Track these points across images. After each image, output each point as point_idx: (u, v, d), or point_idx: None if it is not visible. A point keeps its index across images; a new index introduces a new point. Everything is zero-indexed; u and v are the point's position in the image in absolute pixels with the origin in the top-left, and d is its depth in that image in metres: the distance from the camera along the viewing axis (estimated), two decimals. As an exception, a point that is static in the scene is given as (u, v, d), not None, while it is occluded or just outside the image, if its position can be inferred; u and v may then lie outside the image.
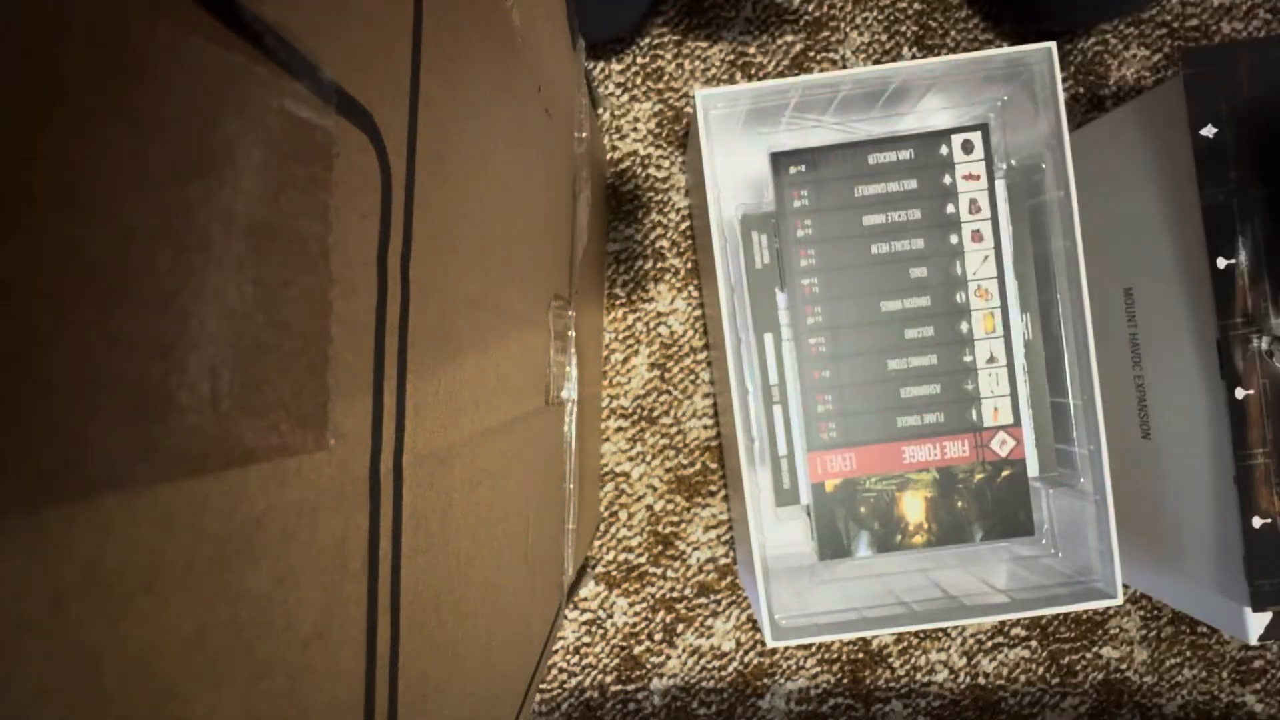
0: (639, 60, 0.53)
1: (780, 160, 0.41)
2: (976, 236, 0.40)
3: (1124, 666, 0.53)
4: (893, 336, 0.40)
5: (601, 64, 0.53)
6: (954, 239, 0.40)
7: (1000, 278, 0.41)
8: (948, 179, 0.40)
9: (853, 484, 0.40)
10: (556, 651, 0.52)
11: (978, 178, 0.40)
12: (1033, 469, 0.41)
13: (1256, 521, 0.36)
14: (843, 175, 0.40)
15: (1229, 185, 0.35)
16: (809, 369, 0.41)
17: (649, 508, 0.52)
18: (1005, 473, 0.40)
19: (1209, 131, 0.35)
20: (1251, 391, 0.36)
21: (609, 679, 0.52)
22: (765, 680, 0.52)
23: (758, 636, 0.52)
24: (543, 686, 0.52)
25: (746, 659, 0.52)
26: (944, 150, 0.40)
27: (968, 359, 0.40)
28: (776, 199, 0.41)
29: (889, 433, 0.40)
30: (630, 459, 0.52)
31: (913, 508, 0.40)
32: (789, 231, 0.41)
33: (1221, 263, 0.36)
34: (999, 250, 0.41)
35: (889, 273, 0.40)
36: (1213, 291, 0.36)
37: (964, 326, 0.41)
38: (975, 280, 0.40)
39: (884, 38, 0.53)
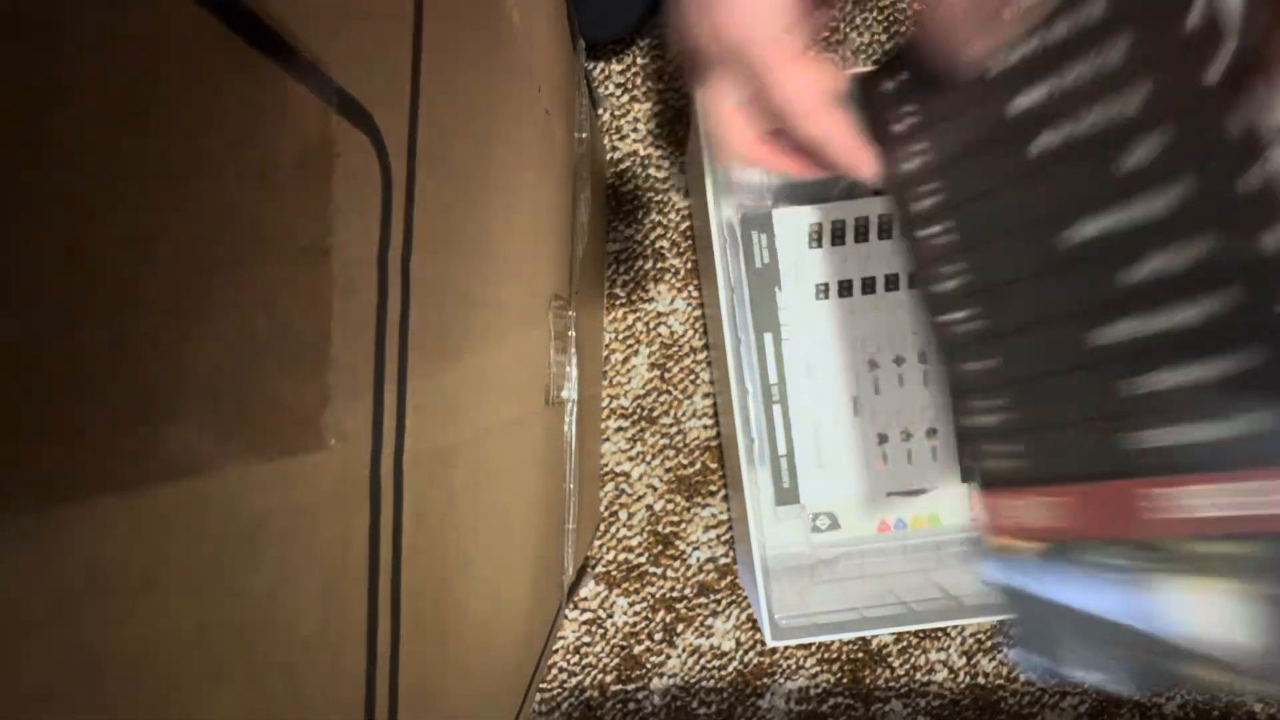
0: (639, 60, 0.53)
1: (869, 84, 0.26)
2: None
3: (1124, 666, 0.53)
4: (1098, 283, 0.21)
5: (601, 64, 0.53)
6: (1210, 73, 0.19)
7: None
8: None
9: (1064, 550, 0.22)
10: (556, 651, 0.52)
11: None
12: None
13: None
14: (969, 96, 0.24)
15: None
16: (953, 359, 0.24)
17: (649, 508, 0.52)
18: None
19: None
20: None
21: (609, 679, 0.52)
22: (765, 680, 0.52)
23: (758, 636, 0.52)
24: (543, 686, 0.52)
25: (746, 658, 0.52)
26: None
27: None
28: (875, 137, 0.25)
29: (1116, 460, 0.21)
30: (630, 459, 0.52)
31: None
32: (897, 169, 0.25)
33: None
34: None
35: (1072, 174, 0.22)
36: None
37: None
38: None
39: (884, 39, 0.53)
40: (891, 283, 0.47)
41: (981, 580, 0.24)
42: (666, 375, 0.53)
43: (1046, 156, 0.22)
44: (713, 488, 0.52)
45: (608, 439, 0.53)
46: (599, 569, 0.52)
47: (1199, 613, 0.19)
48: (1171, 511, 0.20)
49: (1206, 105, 0.19)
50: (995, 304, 0.24)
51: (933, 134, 0.25)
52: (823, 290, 0.47)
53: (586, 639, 0.52)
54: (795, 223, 0.46)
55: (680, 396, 0.53)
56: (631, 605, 0.52)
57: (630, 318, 0.53)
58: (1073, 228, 0.22)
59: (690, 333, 0.53)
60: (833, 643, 0.52)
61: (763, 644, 0.52)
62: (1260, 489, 0.18)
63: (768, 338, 0.43)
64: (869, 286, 0.47)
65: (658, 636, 0.52)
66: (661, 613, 0.52)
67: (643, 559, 0.52)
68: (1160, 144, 0.20)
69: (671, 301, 0.53)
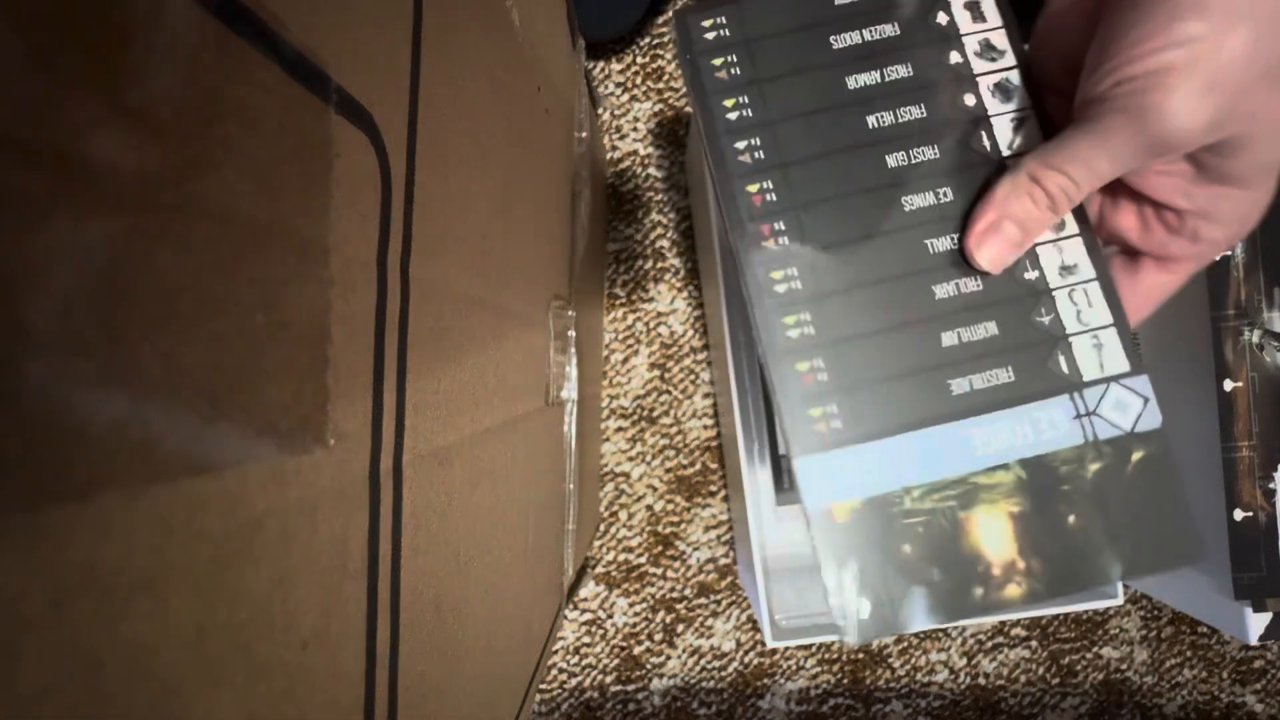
0: (639, 60, 0.53)
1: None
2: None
3: (1124, 667, 0.53)
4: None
5: (601, 64, 0.53)
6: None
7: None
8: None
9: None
10: (556, 651, 0.52)
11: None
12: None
13: (1238, 514, 0.36)
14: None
15: None
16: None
17: (649, 508, 0.52)
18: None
19: None
20: (1240, 384, 0.36)
21: (609, 679, 0.52)
22: (765, 680, 0.52)
23: (758, 636, 0.52)
24: (543, 686, 0.52)
25: (746, 659, 0.52)
26: None
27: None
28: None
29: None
30: (630, 459, 0.52)
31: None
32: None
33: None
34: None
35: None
36: (1206, 282, 0.36)
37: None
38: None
39: None
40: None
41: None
42: (666, 375, 0.53)
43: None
44: (713, 488, 0.52)
45: (608, 439, 0.53)
46: (599, 569, 0.52)
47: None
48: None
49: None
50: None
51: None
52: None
53: (586, 639, 0.52)
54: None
55: (680, 396, 0.53)
56: (631, 606, 0.52)
57: (630, 318, 0.53)
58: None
59: (690, 333, 0.53)
60: (833, 643, 0.52)
61: (763, 644, 0.52)
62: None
63: (767, 338, 0.43)
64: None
65: (658, 637, 0.52)
66: (661, 613, 0.52)
67: (643, 559, 0.52)
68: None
69: (671, 301, 0.53)
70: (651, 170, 0.53)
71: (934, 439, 0.24)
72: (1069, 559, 0.23)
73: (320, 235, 0.12)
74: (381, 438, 0.14)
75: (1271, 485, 0.36)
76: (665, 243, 0.53)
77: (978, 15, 0.25)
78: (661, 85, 0.53)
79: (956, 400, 0.24)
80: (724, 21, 0.27)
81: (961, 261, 0.24)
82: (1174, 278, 0.24)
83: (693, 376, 0.53)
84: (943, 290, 0.24)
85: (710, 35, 0.27)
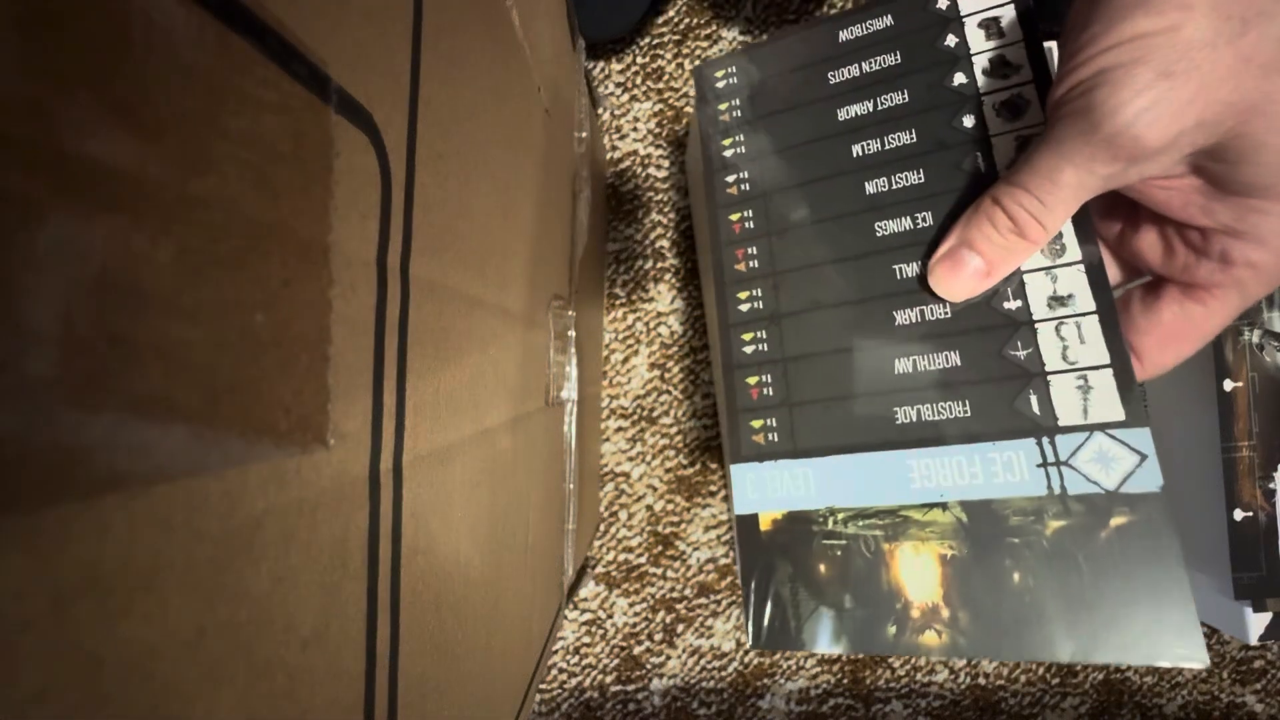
0: (639, 60, 0.53)
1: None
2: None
3: (1124, 666, 0.53)
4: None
5: (601, 64, 0.53)
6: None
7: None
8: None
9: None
10: (556, 651, 0.52)
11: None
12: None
13: (1238, 514, 0.36)
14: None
15: None
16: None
17: (649, 508, 0.52)
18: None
19: None
20: (1240, 384, 0.36)
21: (609, 679, 0.52)
22: (765, 680, 0.52)
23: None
24: (543, 686, 0.52)
25: (746, 659, 0.52)
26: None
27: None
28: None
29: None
30: (630, 459, 0.52)
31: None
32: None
33: None
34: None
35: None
36: None
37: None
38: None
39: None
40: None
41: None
42: (666, 375, 0.53)
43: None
44: (713, 488, 0.52)
45: (608, 439, 0.53)
46: (599, 569, 0.52)
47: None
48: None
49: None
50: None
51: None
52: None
53: (586, 639, 0.52)
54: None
55: (680, 396, 0.53)
56: (631, 606, 0.52)
57: (630, 318, 0.53)
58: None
59: (690, 333, 0.53)
60: (833, 643, 0.52)
61: (763, 644, 0.52)
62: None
63: (767, 338, 0.43)
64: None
65: (658, 637, 0.52)
66: (661, 613, 0.52)
67: (643, 559, 0.52)
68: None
69: (671, 301, 0.53)
70: (651, 170, 0.53)
71: (868, 465, 0.23)
72: (1005, 620, 0.20)
73: (320, 235, 0.12)
74: (381, 438, 0.14)
75: (1271, 485, 0.36)
76: (665, 243, 0.53)
77: (994, 32, 0.25)
78: (661, 85, 0.53)
79: (900, 429, 0.23)
80: (733, 70, 0.29)
81: (927, 288, 0.23)
82: (1206, 310, 0.21)
83: (693, 376, 0.53)
84: (904, 316, 0.24)
85: (721, 84, 0.29)
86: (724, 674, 0.52)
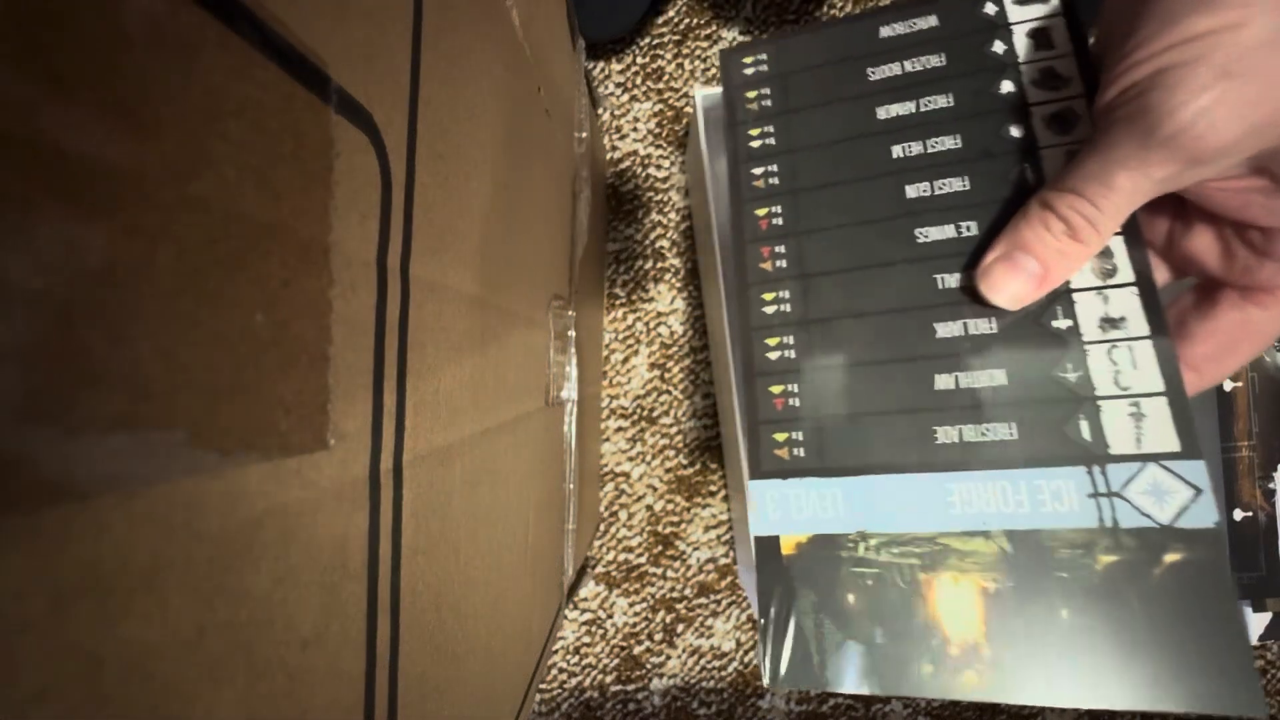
0: (639, 60, 0.53)
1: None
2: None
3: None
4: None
5: (601, 64, 0.53)
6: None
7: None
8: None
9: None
10: (556, 651, 0.52)
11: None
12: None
13: (1238, 514, 0.36)
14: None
15: None
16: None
17: (649, 508, 0.52)
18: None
19: None
20: (1239, 384, 0.36)
21: (609, 679, 0.52)
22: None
23: (757, 636, 0.52)
24: (543, 686, 0.52)
25: (746, 659, 0.52)
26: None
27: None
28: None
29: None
30: (630, 459, 0.52)
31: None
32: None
33: None
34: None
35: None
36: None
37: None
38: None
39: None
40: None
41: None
42: (666, 375, 0.53)
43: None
44: (713, 488, 0.52)
45: (608, 439, 0.53)
46: (599, 569, 0.52)
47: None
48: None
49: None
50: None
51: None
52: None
53: (586, 639, 0.52)
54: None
55: (680, 396, 0.53)
56: (631, 605, 0.52)
57: (630, 318, 0.53)
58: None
59: (690, 333, 0.53)
60: (833, 643, 0.52)
61: (763, 644, 0.52)
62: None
63: (767, 338, 0.43)
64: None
65: (658, 637, 0.52)
66: (661, 613, 0.52)
67: (643, 559, 0.52)
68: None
69: (671, 301, 0.53)
70: (651, 170, 0.53)
71: (904, 487, 0.21)
72: (1051, 661, 0.19)
73: (320, 235, 0.12)
74: (381, 438, 0.14)
75: (1271, 485, 0.36)
76: (665, 243, 0.53)
77: (1043, 43, 0.24)
78: (661, 85, 0.53)
79: (940, 450, 0.21)
80: (764, 58, 0.27)
81: (973, 300, 0.22)
82: (1268, 314, 0.20)
83: (693, 376, 0.53)
84: (946, 329, 0.22)
85: (749, 71, 0.27)
86: (724, 674, 0.52)
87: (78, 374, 0.07)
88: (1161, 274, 0.22)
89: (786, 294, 0.24)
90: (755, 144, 0.26)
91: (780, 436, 0.23)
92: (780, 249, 0.25)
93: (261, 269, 0.10)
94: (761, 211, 0.25)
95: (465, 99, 0.19)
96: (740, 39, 0.52)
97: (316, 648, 0.12)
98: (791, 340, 0.24)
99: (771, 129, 0.26)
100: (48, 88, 0.07)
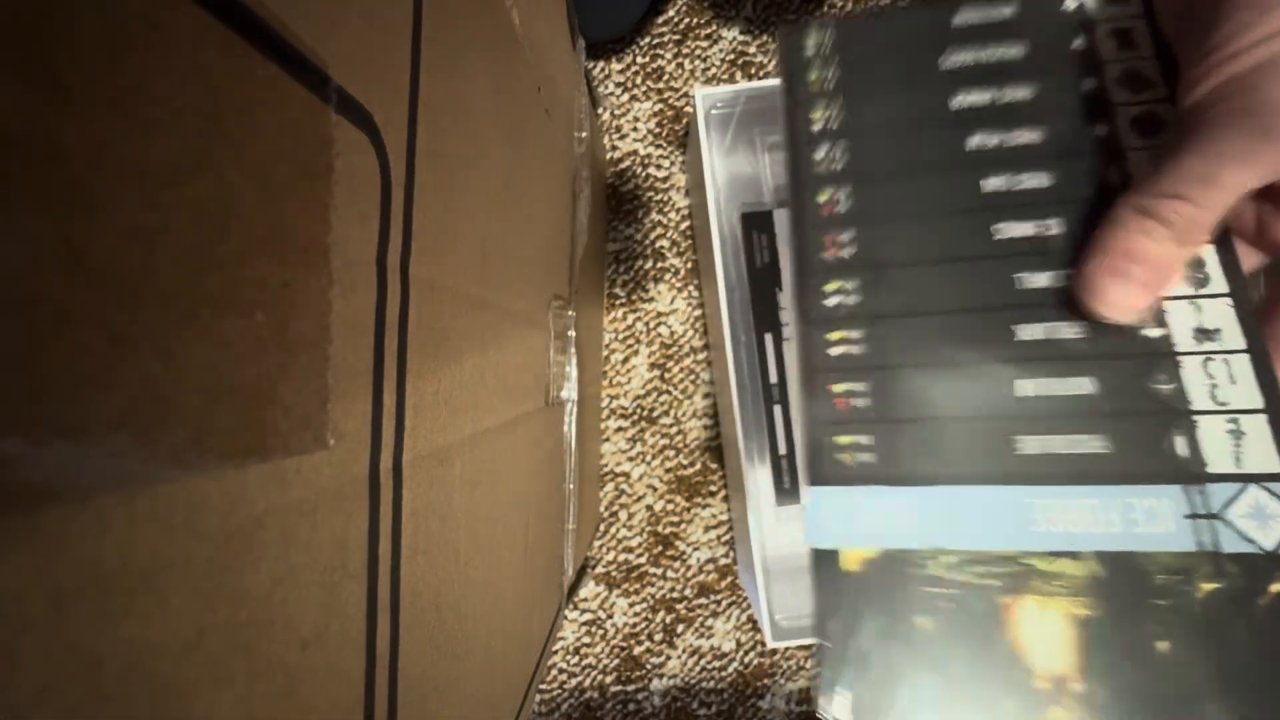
0: (639, 60, 0.53)
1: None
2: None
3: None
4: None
5: (601, 64, 0.53)
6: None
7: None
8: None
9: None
10: (556, 651, 0.52)
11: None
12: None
13: None
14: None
15: None
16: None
17: (649, 508, 0.52)
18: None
19: None
20: None
21: (609, 679, 0.52)
22: (765, 681, 0.52)
23: (758, 637, 0.52)
24: (543, 687, 0.52)
25: (747, 659, 0.52)
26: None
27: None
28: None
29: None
30: (630, 459, 0.52)
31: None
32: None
33: None
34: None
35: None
36: None
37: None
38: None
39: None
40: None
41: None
42: (666, 375, 0.53)
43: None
44: (713, 488, 0.52)
45: (608, 439, 0.53)
46: (599, 569, 0.52)
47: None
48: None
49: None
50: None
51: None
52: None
53: (586, 640, 0.52)
54: (795, 223, 0.46)
55: (680, 396, 0.53)
56: (631, 606, 0.52)
57: (630, 318, 0.53)
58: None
59: (690, 333, 0.53)
60: (833, 643, 0.52)
61: (763, 645, 0.52)
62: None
63: (768, 338, 0.43)
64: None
65: (658, 637, 0.52)
66: (661, 613, 0.52)
67: (643, 559, 0.52)
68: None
69: (671, 301, 0.53)
70: (651, 170, 0.53)
71: (983, 501, 0.19)
72: (1148, 698, 0.17)
73: (320, 235, 0.12)
74: (381, 438, 0.14)
75: (1272, 485, 0.36)
76: (665, 243, 0.53)
77: (1125, 43, 0.23)
78: (661, 85, 0.53)
79: (1021, 461, 0.19)
80: (827, 38, 0.26)
81: (1058, 302, 0.21)
82: None
83: (693, 376, 0.53)
84: (1027, 332, 0.21)
85: (811, 51, 0.26)
86: (724, 674, 0.52)
87: (78, 374, 0.07)
88: (1250, 259, 0.21)
89: (852, 285, 0.23)
90: (816, 126, 0.25)
91: (844, 440, 0.21)
92: (844, 237, 0.23)
93: (261, 269, 0.10)
94: (824, 196, 0.24)
95: (465, 98, 0.19)
96: (740, 39, 0.52)
97: (316, 648, 0.12)
98: (859, 336, 0.22)
99: (835, 111, 0.25)
100: (47, 87, 0.07)
